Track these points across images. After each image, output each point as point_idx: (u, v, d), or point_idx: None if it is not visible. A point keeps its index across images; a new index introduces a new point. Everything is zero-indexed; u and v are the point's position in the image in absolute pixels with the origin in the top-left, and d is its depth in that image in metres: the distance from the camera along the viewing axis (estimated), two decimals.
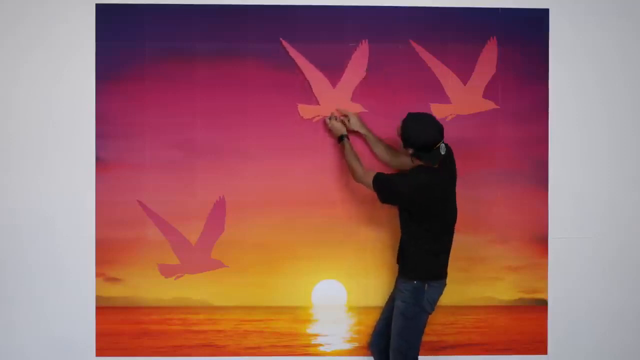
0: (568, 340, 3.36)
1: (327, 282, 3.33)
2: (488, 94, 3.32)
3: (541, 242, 3.34)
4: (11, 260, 3.28)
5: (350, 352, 3.34)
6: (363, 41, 3.28)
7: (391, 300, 3.13)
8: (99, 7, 3.27)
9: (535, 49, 3.33)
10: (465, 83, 3.32)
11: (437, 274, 2.99)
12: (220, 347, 3.32)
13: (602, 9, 3.34)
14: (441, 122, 2.92)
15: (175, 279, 3.30)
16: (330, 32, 3.30)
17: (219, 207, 3.29)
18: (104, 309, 3.30)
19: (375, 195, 2.96)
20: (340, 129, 3.20)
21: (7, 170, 3.28)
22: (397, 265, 3.07)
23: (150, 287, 3.29)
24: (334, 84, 3.30)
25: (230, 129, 3.30)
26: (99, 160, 3.28)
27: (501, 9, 3.32)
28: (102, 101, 3.28)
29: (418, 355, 3.01)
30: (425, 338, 3.05)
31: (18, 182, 3.27)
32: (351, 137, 3.22)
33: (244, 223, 3.30)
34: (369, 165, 3.17)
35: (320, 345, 3.34)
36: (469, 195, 3.24)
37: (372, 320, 3.31)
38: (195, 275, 3.30)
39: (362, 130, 3.24)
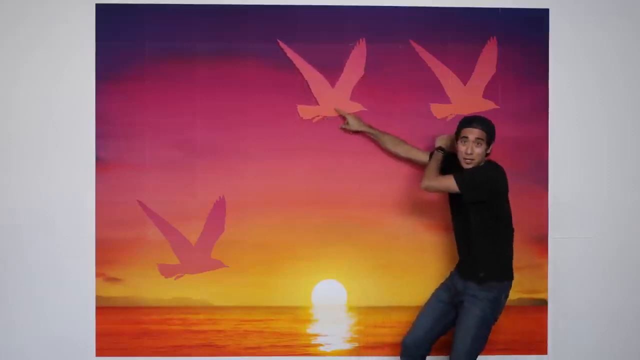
0: (568, 340, 3.35)
1: (327, 282, 3.33)
2: (488, 94, 3.32)
3: (541, 242, 3.34)
4: (11, 260, 3.28)
5: (350, 352, 3.34)
6: (360, 40, 3.28)
7: (434, 309, 3.03)
8: (99, 7, 3.27)
9: (535, 49, 3.33)
10: (465, 83, 3.32)
11: (511, 275, 2.98)
12: (220, 347, 3.32)
13: (602, 9, 3.34)
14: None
15: (175, 279, 3.30)
16: (330, 32, 3.30)
17: (219, 207, 3.29)
18: (104, 309, 3.30)
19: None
20: (366, 129, 3.21)
21: (7, 170, 3.28)
22: (460, 270, 3.02)
23: (150, 287, 3.29)
24: (332, 83, 3.30)
25: (230, 129, 3.30)
26: (99, 160, 3.28)
27: (501, 9, 3.32)
28: (102, 101, 3.28)
29: None
30: None
31: (18, 182, 3.27)
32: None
33: (244, 223, 3.30)
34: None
35: (320, 345, 3.34)
36: None
37: (372, 320, 3.31)
38: (195, 275, 3.30)
39: (363, 129, 3.23)
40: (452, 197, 3.00)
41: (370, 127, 3.24)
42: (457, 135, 2.94)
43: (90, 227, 3.28)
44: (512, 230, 2.99)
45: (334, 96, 3.30)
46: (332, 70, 3.29)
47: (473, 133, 2.89)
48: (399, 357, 3.17)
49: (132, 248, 3.29)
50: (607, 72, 3.35)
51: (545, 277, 3.34)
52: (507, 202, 2.95)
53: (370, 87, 3.30)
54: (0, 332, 3.30)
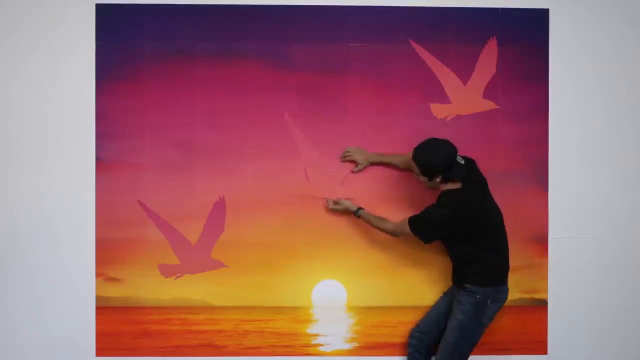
0: (568, 340, 3.35)
1: (327, 282, 3.33)
2: (488, 94, 3.32)
3: (541, 242, 3.34)
4: (11, 260, 3.28)
5: (350, 352, 3.34)
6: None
7: (443, 304, 3.14)
8: (99, 7, 3.27)
9: (535, 49, 3.33)
10: (465, 83, 3.32)
11: (498, 280, 3.01)
12: (220, 347, 3.32)
13: (602, 9, 3.34)
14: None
15: (175, 279, 3.30)
16: (330, 32, 3.30)
17: (219, 207, 3.29)
18: (104, 309, 3.29)
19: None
20: (348, 206, 3.20)
21: (7, 170, 3.28)
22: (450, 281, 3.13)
23: (150, 287, 3.29)
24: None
25: (230, 129, 3.29)
26: (99, 160, 3.28)
27: (501, 9, 3.32)
28: (102, 101, 3.28)
29: None
30: None
31: (18, 182, 3.27)
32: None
33: (244, 223, 3.30)
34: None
35: (320, 345, 3.34)
36: None
37: (372, 320, 3.31)
38: (195, 275, 3.30)
39: (374, 159, 3.25)
40: None
41: (380, 154, 3.25)
42: None
43: (90, 227, 3.28)
44: (494, 235, 2.99)
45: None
46: (329, 71, 3.29)
47: (412, 165, 2.99)
48: (399, 357, 3.18)
49: (132, 248, 3.29)
50: (607, 72, 3.35)
51: (545, 277, 3.34)
52: (477, 219, 2.93)
53: (370, 87, 3.30)
54: (0, 332, 3.30)
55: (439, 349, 3.05)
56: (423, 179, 2.97)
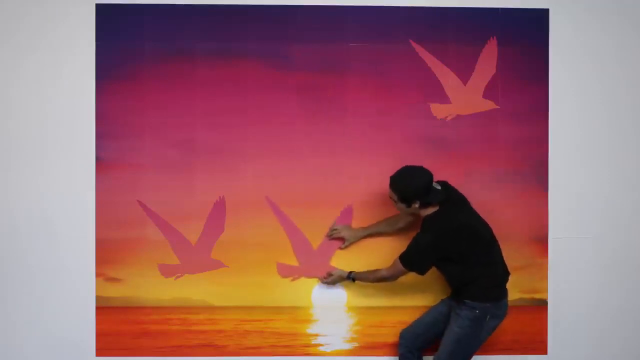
0: (568, 340, 3.35)
1: None
2: (488, 94, 3.32)
3: (541, 242, 3.34)
4: (11, 260, 3.28)
5: (350, 352, 3.34)
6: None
7: (438, 310, 3.13)
8: (99, 7, 3.27)
9: (535, 49, 3.33)
10: (465, 83, 3.32)
11: (497, 296, 2.99)
12: (220, 347, 3.32)
13: (602, 9, 3.34)
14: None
15: (175, 279, 3.30)
16: (330, 32, 3.30)
17: (219, 207, 3.29)
18: (104, 309, 3.30)
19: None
20: (340, 275, 3.21)
21: (7, 170, 3.28)
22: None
23: (150, 287, 3.29)
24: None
25: (230, 129, 3.30)
26: (99, 160, 3.28)
27: (501, 9, 3.32)
28: (102, 101, 3.28)
29: None
30: None
31: (18, 182, 3.27)
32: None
33: (244, 223, 3.30)
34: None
35: (320, 345, 3.34)
36: (469, 196, 3.23)
37: (372, 320, 3.31)
38: (195, 275, 3.30)
39: (361, 234, 3.26)
40: None
41: (365, 228, 3.26)
42: None
43: (90, 227, 3.28)
44: (487, 252, 2.98)
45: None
46: (330, 72, 3.29)
47: (390, 193, 2.98)
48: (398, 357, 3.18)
49: (132, 248, 3.29)
50: (607, 72, 3.35)
51: (545, 277, 3.34)
52: (467, 239, 2.92)
53: (370, 87, 3.30)
54: (0, 332, 3.30)
55: (434, 357, 3.04)
56: (401, 205, 2.96)
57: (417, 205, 2.93)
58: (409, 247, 2.96)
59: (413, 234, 2.99)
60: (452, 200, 2.98)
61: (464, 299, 2.97)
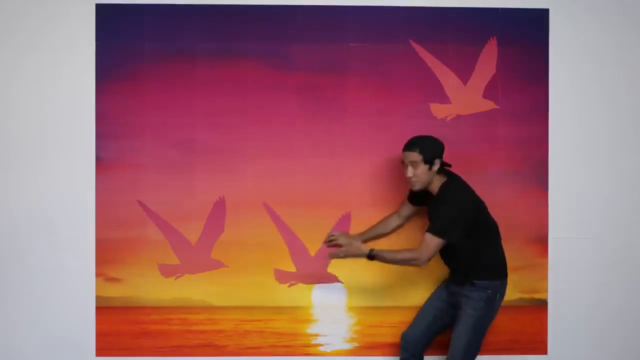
0: (568, 340, 3.35)
1: (327, 282, 3.33)
2: (488, 94, 3.32)
3: (541, 242, 3.34)
4: (11, 260, 3.28)
5: (350, 352, 3.34)
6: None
7: (435, 307, 3.10)
8: (99, 7, 3.27)
9: (535, 49, 3.33)
10: (465, 83, 3.32)
11: (504, 273, 3.02)
12: (220, 347, 3.32)
13: (602, 9, 3.34)
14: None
15: (175, 279, 3.30)
16: (330, 32, 3.30)
17: (219, 207, 3.29)
18: (104, 309, 3.30)
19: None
20: (358, 251, 3.02)
21: (7, 170, 3.28)
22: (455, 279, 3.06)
23: (150, 287, 3.29)
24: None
25: (230, 129, 3.30)
26: (99, 160, 3.28)
27: (501, 9, 3.32)
28: (102, 101, 3.28)
29: None
30: None
31: (18, 182, 3.27)
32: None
33: (244, 223, 3.30)
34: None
35: (320, 345, 3.34)
36: None
37: (372, 320, 3.31)
38: (195, 275, 3.30)
39: (358, 241, 3.19)
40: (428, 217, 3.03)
41: (361, 234, 3.25)
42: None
43: (90, 227, 3.28)
44: (495, 229, 3.01)
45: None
46: (329, 72, 3.29)
47: (407, 157, 2.94)
48: (398, 357, 3.17)
49: (132, 248, 3.29)
50: (607, 72, 3.35)
51: (545, 277, 3.34)
52: (482, 211, 2.95)
53: (370, 87, 3.30)
54: (0, 332, 3.30)
55: (448, 353, 2.97)
56: (423, 168, 2.91)
57: (437, 168, 2.92)
58: (439, 218, 2.87)
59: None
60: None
61: (472, 280, 2.94)
